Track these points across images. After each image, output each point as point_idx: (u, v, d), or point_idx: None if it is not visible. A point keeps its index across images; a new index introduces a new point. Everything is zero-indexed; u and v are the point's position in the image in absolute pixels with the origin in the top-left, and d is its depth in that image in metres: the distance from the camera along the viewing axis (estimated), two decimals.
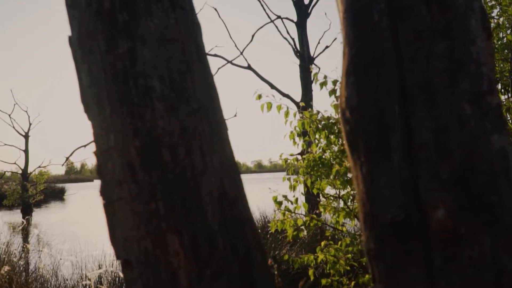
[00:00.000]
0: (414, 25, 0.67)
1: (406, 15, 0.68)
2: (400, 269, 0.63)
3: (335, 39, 9.63)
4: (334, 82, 2.79)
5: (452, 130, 0.61)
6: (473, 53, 0.63)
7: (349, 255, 2.57)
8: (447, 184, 0.59)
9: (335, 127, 2.80)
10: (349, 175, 2.70)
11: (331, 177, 2.55)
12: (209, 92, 0.81)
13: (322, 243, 2.79)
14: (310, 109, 2.95)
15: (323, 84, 2.83)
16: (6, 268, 3.67)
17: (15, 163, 21.77)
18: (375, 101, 0.67)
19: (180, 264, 0.70)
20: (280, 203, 2.79)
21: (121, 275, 4.40)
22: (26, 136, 22.20)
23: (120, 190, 0.75)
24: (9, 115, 21.75)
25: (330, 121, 2.80)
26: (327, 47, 9.78)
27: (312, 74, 3.09)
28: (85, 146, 10.91)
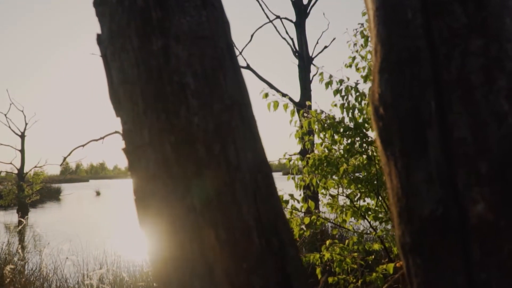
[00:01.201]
0: (449, 22, 0.68)
1: (440, 12, 0.69)
2: (439, 262, 0.64)
3: (334, 39, 9.65)
4: (340, 82, 2.80)
5: (490, 126, 0.62)
6: (508, 50, 0.64)
7: (355, 254, 2.58)
8: (486, 179, 0.60)
9: (340, 126, 2.81)
10: (357, 173, 2.72)
11: (339, 175, 2.56)
12: (240, 88, 0.82)
13: (327, 242, 2.80)
14: (316, 109, 2.96)
15: (329, 83, 2.85)
16: (9, 267, 3.66)
17: (11, 163, 21.70)
18: (410, 98, 0.68)
19: (216, 259, 0.71)
20: (286, 202, 2.80)
21: (124, 275, 4.39)
22: (22, 136, 22.13)
23: (154, 186, 0.76)
24: (5, 115, 21.66)
25: (336, 120, 2.81)
26: (326, 47, 9.81)
27: (318, 73, 3.09)
28: (83, 146, 10.88)
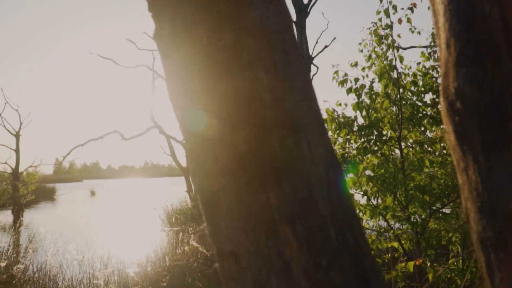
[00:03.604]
0: None
1: None
2: None
3: (334, 38, 9.68)
4: (356, 80, 2.80)
5: None
6: None
7: (371, 252, 2.57)
8: None
9: (354, 125, 2.81)
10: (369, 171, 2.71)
11: (357, 174, 2.56)
12: (307, 82, 0.81)
13: None
14: (328, 108, 2.96)
15: (344, 82, 2.84)
16: (17, 267, 3.63)
17: (6, 163, 21.50)
18: (492, 91, 0.68)
19: (293, 255, 0.70)
20: None
21: (132, 274, 4.37)
22: (17, 136, 21.94)
23: (224, 181, 0.75)
24: (0, 114, 21.48)
25: (350, 118, 2.81)
26: (326, 46, 9.82)
27: (333, 72, 3.09)
28: (82, 145, 10.77)
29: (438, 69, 4.64)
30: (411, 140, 3.48)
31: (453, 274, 2.37)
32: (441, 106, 0.78)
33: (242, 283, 0.74)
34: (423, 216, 2.77)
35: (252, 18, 0.77)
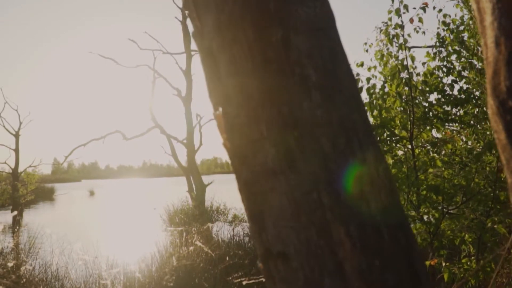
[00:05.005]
0: None
1: None
2: None
3: None
4: (368, 80, 2.80)
5: None
6: None
7: None
8: None
9: None
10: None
11: None
12: (353, 80, 0.80)
13: None
14: None
15: None
16: (25, 267, 3.61)
17: (5, 163, 21.44)
18: None
19: (346, 255, 0.70)
20: None
21: (138, 275, 4.35)
22: (17, 135, 21.88)
23: (274, 181, 0.74)
24: None
25: None
26: None
27: None
28: (84, 145, 10.73)
29: (444, 69, 4.65)
30: (422, 140, 3.49)
31: (466, 274, 2.37)
32: (489, 105, 0.78)
33: (292, 284, 0.73)
34: (436, 216, 2.76)
35: (300, 15, 0.76)
